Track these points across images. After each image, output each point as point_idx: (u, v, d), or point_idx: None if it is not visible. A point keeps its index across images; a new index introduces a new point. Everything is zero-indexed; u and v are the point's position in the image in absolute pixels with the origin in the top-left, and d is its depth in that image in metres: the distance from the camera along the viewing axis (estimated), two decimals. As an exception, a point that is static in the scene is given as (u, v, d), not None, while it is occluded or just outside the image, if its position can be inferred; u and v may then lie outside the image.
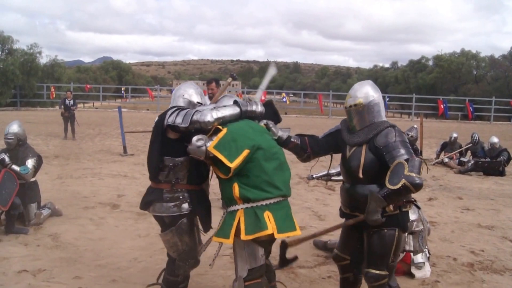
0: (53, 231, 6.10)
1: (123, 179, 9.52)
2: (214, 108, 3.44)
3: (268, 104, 3.86)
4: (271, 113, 3.83)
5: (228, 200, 3.34)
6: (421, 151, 10.08)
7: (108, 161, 11.77)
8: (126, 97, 38.68)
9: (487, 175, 11.54)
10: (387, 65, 75.97)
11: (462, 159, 12.83)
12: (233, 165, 3.18)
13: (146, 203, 3.73)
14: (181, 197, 3.61)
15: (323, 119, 30.23)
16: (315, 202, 8.00)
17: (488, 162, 11.86)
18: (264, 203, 3.23)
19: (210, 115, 3.34)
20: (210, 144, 3.27)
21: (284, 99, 35.91)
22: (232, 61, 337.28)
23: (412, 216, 4.67)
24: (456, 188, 9.87)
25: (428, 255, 5.08)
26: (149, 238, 5.89)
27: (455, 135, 13.37)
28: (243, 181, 3.23)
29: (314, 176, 9.96)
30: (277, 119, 3.86)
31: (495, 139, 12.37)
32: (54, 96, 33.50)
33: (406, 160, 3.24)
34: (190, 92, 3.85)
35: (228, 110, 3.46)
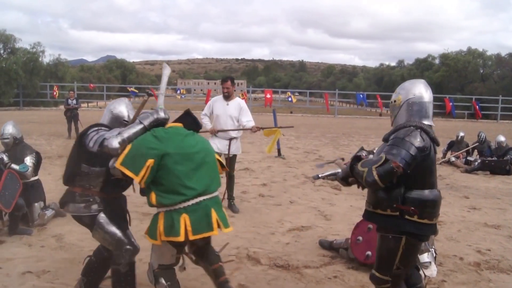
0: (57, 232, 6.08)
1: (128, 178, 9.48)
2: (119, 133, 3.56)
3: (186, 114, 3.94)
4: (191, 121, 3.87)
5: (151, 205, 3.49)
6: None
7: (113, 161, 11.73)
8: (130, 96, 38.69)
9: (494, 174, 11.45)
10: (393, 64, 76.20)
11: (468, 158, 12.74)
12: (138, 178, 3.36)
13: (62, 203, 4.01)
14: (91, 200, 3.88)
15: (329, 118, 30.16)
16: (321, 202, 7.95)
17: (495, 161, 11.77)
18: (181, 206, 3.37)
19: (115, 142, 3.49)
20: (117, 162, 3.44)
21: (290, 98, 35.80)
22: (237, 59, 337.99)
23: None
24: (463, 187, 9.80)
25: (434, 254, 5.02)
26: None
27: (462, 134, 13.30)
28: (159, 189, 3.39)
29: (320, 175, 9.94)
30: (196, 127, 3.90)
31: (502, 138, 12.29)
32: (57, 95, 33.50)
33: (386, 159, 3.10)
34: (120, 109, 4.07)
35: (131, 129, 3.60)
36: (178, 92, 36.43)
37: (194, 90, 40.09)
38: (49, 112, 29.85)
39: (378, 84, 68.56)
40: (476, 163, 11.90)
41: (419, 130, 3.25)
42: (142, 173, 3.33)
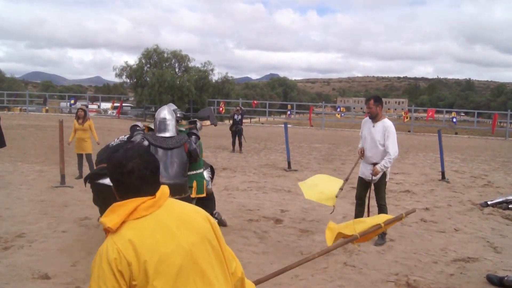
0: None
1: (287, 194, 9.65)
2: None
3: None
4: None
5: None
6: None
7: (273, 176, 12.05)
8: (292, 113, 39.61)
9: None
10: None
11: None
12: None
13: None
14: None
15: (499, 140, 27.84)
16: (491, 232, 7.28)
17: None
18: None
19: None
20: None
21: (454, 120, 33.83)
22: (398, 78, 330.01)
23: None
24: None
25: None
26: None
27: None
28: None
29: (489, 203, 9.20)
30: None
31: None
32: (223, 111, 35.47)
33: None
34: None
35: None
36: (338, 110, 36.37)
37: (354, 108, 39.76)
38: (216, 126, 31.64)
39: (559, 105, 61.92)
40: None
41: (144, 139, 5.48)
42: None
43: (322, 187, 6.57)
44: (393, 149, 6.32)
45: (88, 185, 5.85)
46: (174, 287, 1.84)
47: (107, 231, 1.88)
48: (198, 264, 1.93)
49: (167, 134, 5.65)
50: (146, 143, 5.38)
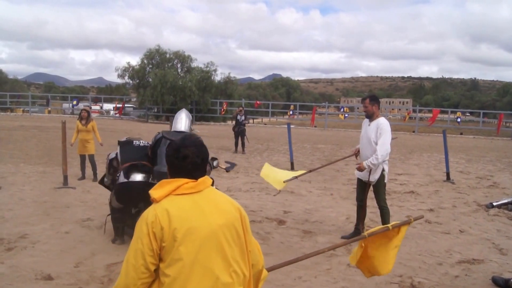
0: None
1: (290, 195, 9.61)
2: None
3: None
4: None
5: None
6: None
7: (276, 176, 11.97)
8: (294, 113, 39.46)
9: None
10: None
11: None
12: None
13: None
14: None
15: (504, 141, 27.71)
16: (496, 234, 7.21)
17: None
18: None
19: None
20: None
21: (459, 119, 33.67)
22: (402, 77, 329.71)
23: None
24: None
25: None
26: (315, 257, 5.79)
27: None
28: None
29: (494, 204, 9.14)
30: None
31: None
32: (225, 112, 35.38)
33: None
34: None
35: None
36: (342, 110, 36.26)
37: (357, 108, 39.52)
38: (218, 127, 31.71)
39: None
40: None
41: (160, 133, 6.10)
42: None
43: (281, 175, 6.99)
44: (382, 147, 6.25)
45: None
46: (196, 256, 2.21)
47: (153, 201, 2.29)
48: (221, 244, 2.28)
49: (181, 129, 6.19)
50: (160, 135, 6.05)
